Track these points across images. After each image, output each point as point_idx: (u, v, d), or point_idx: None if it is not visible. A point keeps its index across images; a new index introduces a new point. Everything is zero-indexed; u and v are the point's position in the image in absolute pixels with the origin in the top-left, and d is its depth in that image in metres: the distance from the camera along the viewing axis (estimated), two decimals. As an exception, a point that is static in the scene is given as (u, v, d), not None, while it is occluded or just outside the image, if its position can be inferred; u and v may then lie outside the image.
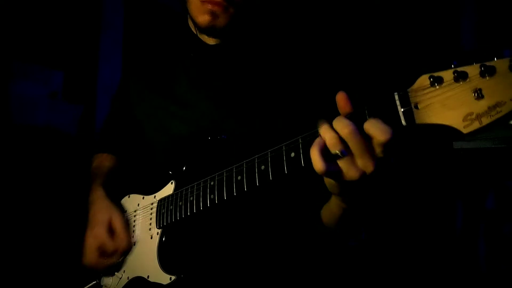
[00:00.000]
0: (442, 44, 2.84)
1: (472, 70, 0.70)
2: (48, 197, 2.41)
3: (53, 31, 2.67)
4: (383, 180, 0.88)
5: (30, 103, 2.59)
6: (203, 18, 1.26)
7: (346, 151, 0.82)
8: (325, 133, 0.83)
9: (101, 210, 1.42)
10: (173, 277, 1.21)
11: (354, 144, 0.81)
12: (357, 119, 0.81)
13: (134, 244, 1.38)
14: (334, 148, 0.82)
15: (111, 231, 1.38)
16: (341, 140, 0.81)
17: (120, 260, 1.40)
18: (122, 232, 1.37)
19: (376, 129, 0.77)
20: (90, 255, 1.38)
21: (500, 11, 2.77)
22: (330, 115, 0.86)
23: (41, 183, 2.43)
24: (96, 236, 1.37)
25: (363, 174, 0.84)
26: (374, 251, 2.44)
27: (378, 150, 0.81)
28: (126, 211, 1.47)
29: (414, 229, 2.62)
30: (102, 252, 1.37)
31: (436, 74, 0.73)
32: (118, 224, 1.38)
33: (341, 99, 0.84)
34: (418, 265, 2.56)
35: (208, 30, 1.30)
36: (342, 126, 0.81)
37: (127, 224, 1.40)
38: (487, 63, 0.68)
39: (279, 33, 1.39)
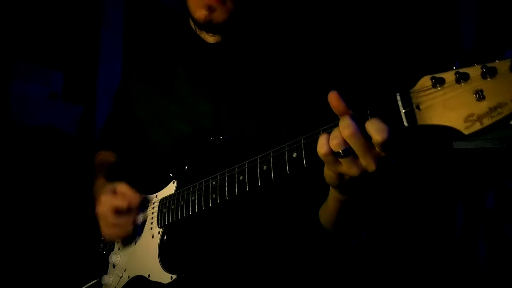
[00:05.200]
0: (442, 44, 2.84)
1: (474, 71, 0.70)
2: (48, 197, 2.41)
3: (53, 31, 2.66)
4: (383, 176, 0.89)
5: (30, 103, 2.59)
6: (200, 13, 1.27)
7: (349, 151, 0.82)
8: (332, 132, 0.84)
9: (104, 188, 1.40)
10: (174, 276, 1.21)
11: (355, 145, 0.81)
12: (359, 119, 0.82)
13: (135, 243, 1.38)
14: (336, 147, 0.83)
15: (117, 194, 1.36)
16: (345, 140, 0.82)
17: (137, 220, 1.37)
18: (128, 190, 1.35)
19: (373, 129, 0.78)
20: (108, 219, 1.34)
21: (500, 12, 2.78)
22: (332, 114, 0.86)
23: (41, 183, 2.42)
24: (105, 203, 1.35)
25: (364, 172, 0.84)
26: (374, 250, 2.44)
27: (377, 149, 0.81)
28: None
29: (414, 229, 2.62)
30: (118, 212, 1.34)
31: (437, 75, 0.73)
32: (122, 187, 1.36)
33: (333, 99, 0.85)
34: (418, 265, 2.56)
35: (206, 25, 1.31)
36: (343, 126, 0.81)
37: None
38: (488, 64, 0.68)
39: (281, 33, 1.39)
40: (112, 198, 1.34)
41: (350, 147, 0.82)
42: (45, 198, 2.40)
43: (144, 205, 1.39)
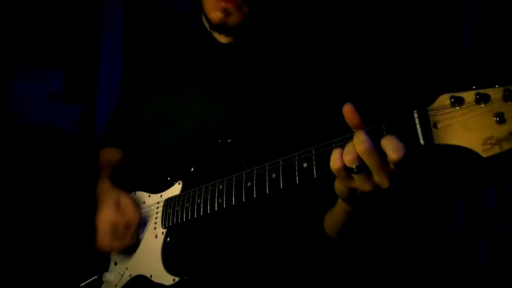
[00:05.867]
0: (443, 46, 2.84)
1: (495, 92, 0.68)
2: (48, 197, 2.41)
3: (53, 31, 2.65)
4: (394, 191, 0.88)
5: (30, 103, 2.58)
6: (215, 15, 1.25)
7: (363, 167, 0.81)
8: (346, 146, 0.83)
9: (109, 196, 1.41)
10: (176, 279, 1.21)
11: (369, 162, 0.80)
12: (374, 135, 0.80)
13: (138, 242, 1.38)
14: (350, 163, 0.81)
15: (119, 208, 1.38)
16: (359, 156, 0.81)
17: (133, 239, 1.38)
18: (130, 207, 1.37)
19: (389, 147, 0.76)
20: (104, 236, 1.36)
21: (500, 12, 2.78)
22: (343, 123, 0.85)
23: (41, 184, 2.42)
24: (106, 217, 1.36)
25: (377, 188, 0.84)
26: (374, 250, 2.44)
27: (392, 167, 0.80)
28: None
29: (415, 229, 2.62)
30: (115, 230, 1.36)
31: (457, 94, 0.71)
32: (125, 201, 1.38)
33: (347, 111, 0.83)
34: (419, 265, 2.57)
35: (219, 27, 1.29)
36: (358, 142, 0.80)
37: (136, 203, 1.40)
38: (511, 87, 0.66)
39: (295, 38, 1.38)
40: (113, 214, 1.36)
41: (364, 163, 0.81)
42: (45, 197, 2.40)
43: (149, 204, 1.39)
